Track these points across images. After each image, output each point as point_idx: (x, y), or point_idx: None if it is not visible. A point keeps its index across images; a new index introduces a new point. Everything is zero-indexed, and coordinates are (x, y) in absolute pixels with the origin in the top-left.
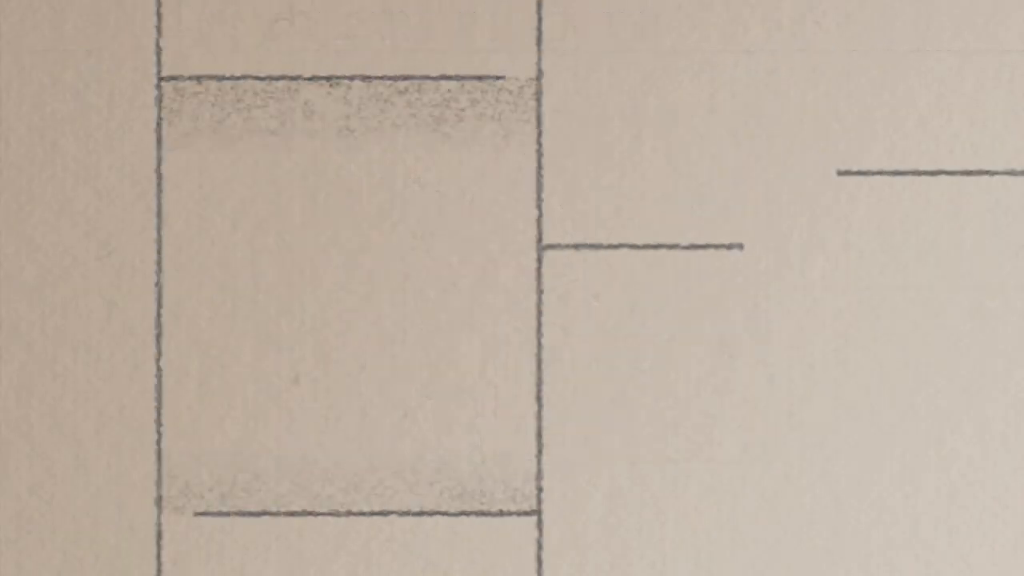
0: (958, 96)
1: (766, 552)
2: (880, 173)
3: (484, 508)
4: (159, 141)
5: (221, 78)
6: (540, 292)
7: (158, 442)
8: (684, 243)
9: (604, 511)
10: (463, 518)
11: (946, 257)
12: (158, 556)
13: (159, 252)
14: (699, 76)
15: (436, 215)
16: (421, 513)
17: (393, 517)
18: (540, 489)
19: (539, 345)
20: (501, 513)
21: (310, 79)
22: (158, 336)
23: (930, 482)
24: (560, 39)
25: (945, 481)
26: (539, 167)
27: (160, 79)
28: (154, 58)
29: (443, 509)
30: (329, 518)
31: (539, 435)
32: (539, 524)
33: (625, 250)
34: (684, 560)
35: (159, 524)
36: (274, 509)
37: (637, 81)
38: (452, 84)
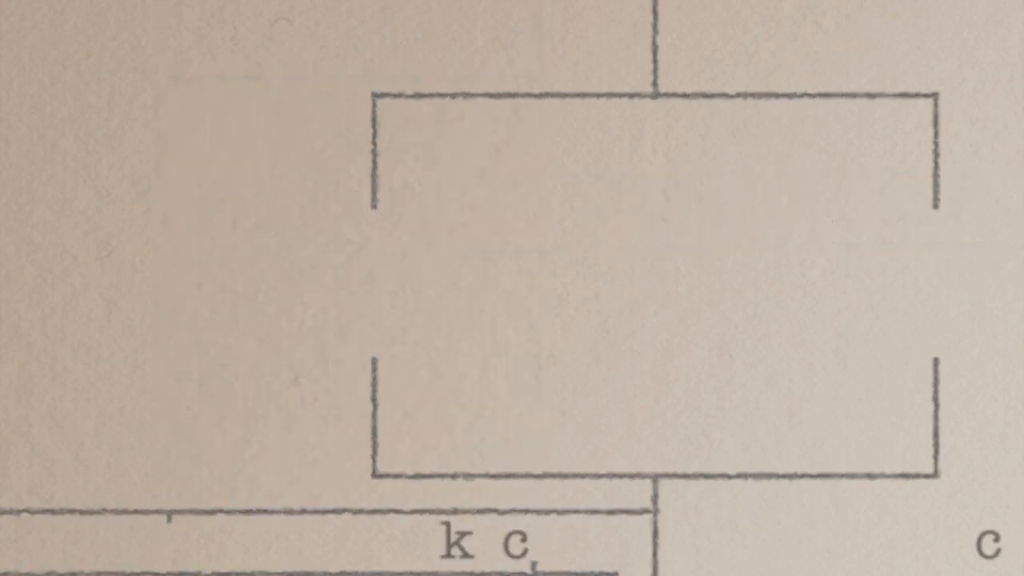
0: (957, 95)
1: (766, 552)
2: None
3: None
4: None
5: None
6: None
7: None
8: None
9: (605, 511)
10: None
11: (946, 260)
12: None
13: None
14: (699, 76)
15: (436, 216)
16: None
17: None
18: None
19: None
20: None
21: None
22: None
23: (930, 482)
24: (560, 39)
25: (945, 481)
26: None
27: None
28: (154, 58)
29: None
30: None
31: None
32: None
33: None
34: (684, 560)
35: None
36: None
37: (637, 81)
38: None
